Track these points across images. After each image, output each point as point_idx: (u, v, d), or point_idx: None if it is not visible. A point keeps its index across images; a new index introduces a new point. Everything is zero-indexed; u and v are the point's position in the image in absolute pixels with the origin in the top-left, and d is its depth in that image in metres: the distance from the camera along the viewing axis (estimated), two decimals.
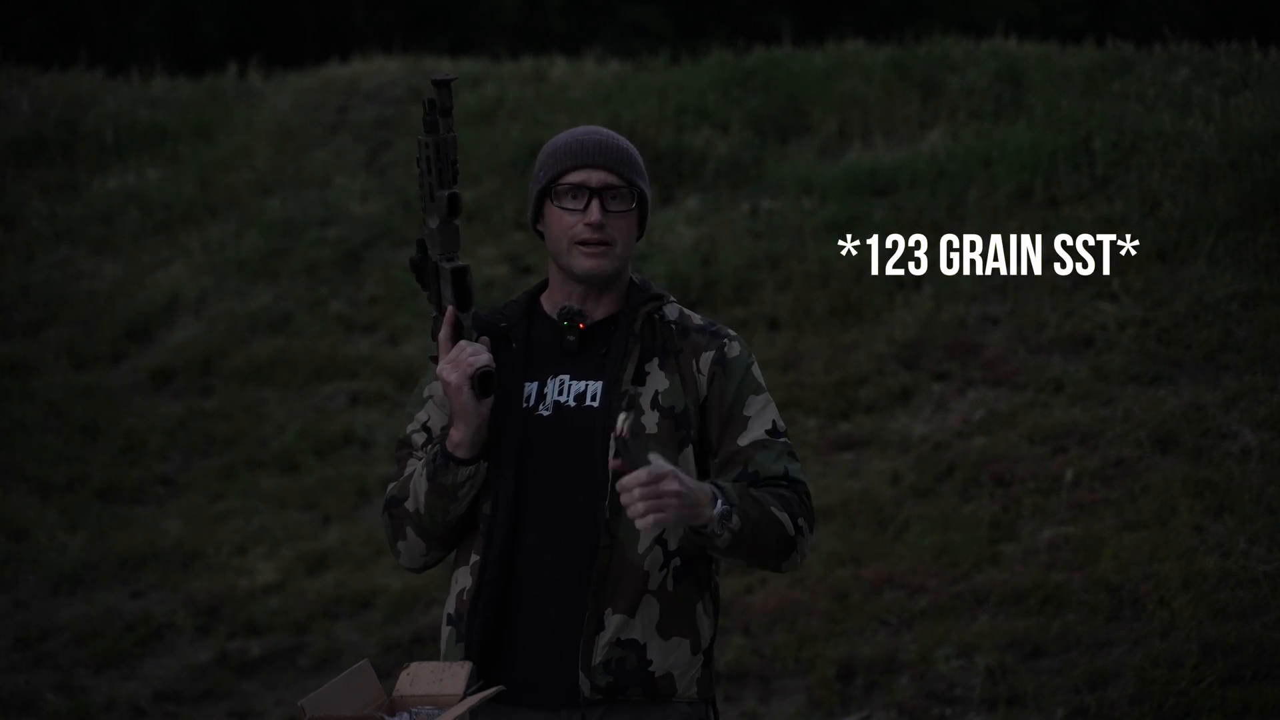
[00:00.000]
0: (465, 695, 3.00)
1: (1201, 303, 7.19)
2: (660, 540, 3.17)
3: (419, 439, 3.27)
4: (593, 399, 3.19)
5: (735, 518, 3.06)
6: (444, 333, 3.15)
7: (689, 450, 3.21)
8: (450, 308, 3.17)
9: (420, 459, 3.25)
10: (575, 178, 3.21)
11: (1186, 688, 5.59)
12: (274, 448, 7.81)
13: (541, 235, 3.29)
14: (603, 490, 3.17)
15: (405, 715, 2.96)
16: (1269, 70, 8.44)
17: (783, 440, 3.22)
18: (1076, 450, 6.69)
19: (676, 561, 3.19)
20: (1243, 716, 5.49)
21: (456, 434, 3.13)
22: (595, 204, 3.19)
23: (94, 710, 6.40)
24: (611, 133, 3.28)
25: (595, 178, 3.20)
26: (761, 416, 3.22)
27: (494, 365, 3.13)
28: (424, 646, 6.46)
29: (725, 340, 3.25)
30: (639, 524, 2.97)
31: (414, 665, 3.07)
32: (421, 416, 3.29)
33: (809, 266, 8.06)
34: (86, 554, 7.21)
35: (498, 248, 8.78)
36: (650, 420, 3.19)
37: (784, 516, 3.14)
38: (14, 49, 11.75)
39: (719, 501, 3.05)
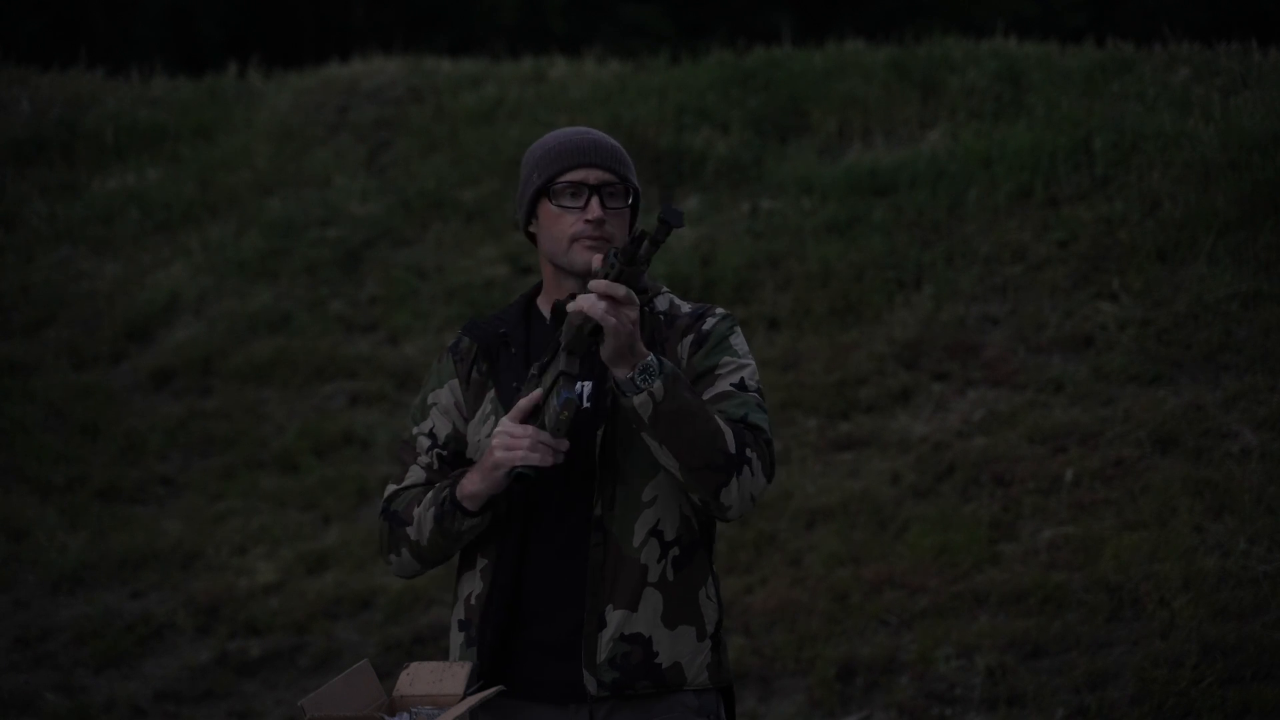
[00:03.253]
0: (465, 695, 3.01)
1: (1201, 303, 7.18)
2: (656, 531, 3.18)
3: (424, 443, 3.28)
4: (587, 400, 3.21)
5: (659, 385, 3.03)
6: (527, 402, 3.11)
7: None
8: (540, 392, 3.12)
9: (423, 465, 3.26)
10: (574, 176, 3.21)
11: (1186, 688, 5.59)
12: (274, 448, 7.81)
13: (532, 237, 3.30)
14: (592, 486, 3.19)
15: (405, 715, 2.96)
16: (1269, 70, 8.44)
17: (752, 394, 3.20)
18: (1076, 450, 6.69)
19: (675, 551, 3.20)
20: (1243, 716, 5.49)
21: (470, 487, 3.14)
22: (595, 201, 3.20)
23: (94, 710, 6.40)
24: (600, 133, 3.29)
25: (593, 175, 3.21)
26: (732, 375, 3.21)
27: (537, 471, 3.08)
28: (424, 646, 6.46)
29: (707, 318, 3.25)
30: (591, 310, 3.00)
31: (414, 665, 3.08)
32: (426, 424, 3.29)
33: (809, 266, 8.06)
34: (86, 554, 7.21)
35: (498, 248, 8.78)
36: None
37: (729, 432, 3.10)
38: (14, 49, 11.75)
39: (649, 358, 3.04)
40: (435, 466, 3.27)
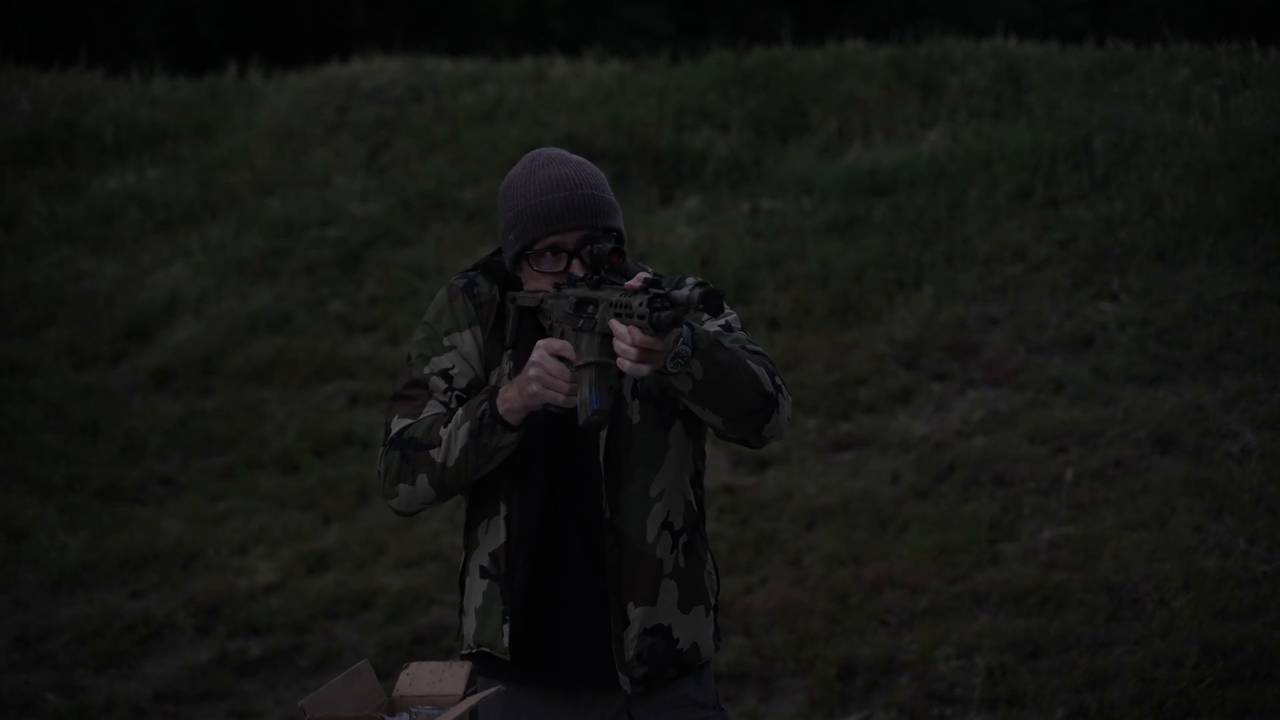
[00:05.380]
0: (465, 695, 3.01)
1: (1201, 303, 7.18)
2: (667, 524, 3.20)
3: (439, 384, 3.20)
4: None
5: (697, 364, 2.99)
6: (562, 346, 3.05)
7: (678, 425, 3.22)
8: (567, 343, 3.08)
9: (442, 403, 3.18)
10: (552, 240, 3.17)
11: (1186, 688, 5.59)
12: (274, 448, 7.80)
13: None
14: (599, 489, 3.19)
15: (405, 715, 2.96)
16: (1269, 70, 8.44)
17: (740, 333, 3.19)
18: (1076, 450, 6.69)
19: (684, 538, 3.23)
20: (1243, 716, 5.49)
21: (510, 402, 3.06)
22: (576, 262, 3.17)
23: (94, 710, 6.40)
24: (575, 175, 3.19)
25: (571, 238, 3.17)
26: (715, 324, 3.20)
27: (565, 408, 3.07)
28: (424, 646, 6.46)
29: None
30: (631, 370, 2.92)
31: (414, 665, 3.08)
32: (443, 362, 3.21)
33: (809, 266, 8.06)
34: (86, 554, 7.21)
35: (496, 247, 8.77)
36: (634, 410, 3.20)
37: (760, 371, 3.09)
38: (14, 49, 11.75)
39: (679, 341, 2.98)
40: (453, 406, 3.18)
